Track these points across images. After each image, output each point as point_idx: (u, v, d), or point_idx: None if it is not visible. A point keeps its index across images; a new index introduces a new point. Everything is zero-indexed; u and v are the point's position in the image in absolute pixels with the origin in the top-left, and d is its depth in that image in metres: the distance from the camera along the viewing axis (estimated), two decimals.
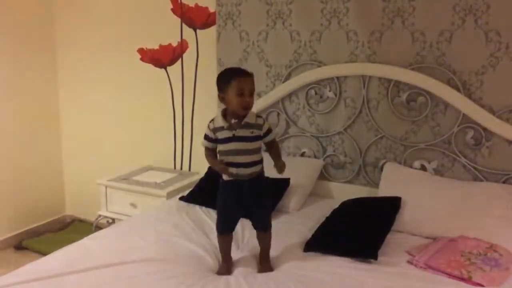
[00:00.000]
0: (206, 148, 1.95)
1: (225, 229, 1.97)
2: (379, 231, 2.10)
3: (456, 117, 2.47)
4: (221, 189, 1.96)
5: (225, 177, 1.91)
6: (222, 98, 1.87)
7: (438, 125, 2.52)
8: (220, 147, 1.90)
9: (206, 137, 1.93)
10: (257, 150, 1.91)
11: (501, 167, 2.41)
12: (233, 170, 1.87)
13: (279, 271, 1.87)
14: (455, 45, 2.42)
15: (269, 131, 1.93)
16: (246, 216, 2.01)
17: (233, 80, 1.81)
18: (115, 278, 1.78)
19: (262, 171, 1.95)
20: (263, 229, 1.98)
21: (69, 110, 3.84)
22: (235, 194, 1.91)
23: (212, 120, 1.92)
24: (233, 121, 1.86)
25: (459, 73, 2.43)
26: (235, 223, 2.00)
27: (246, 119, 1.86)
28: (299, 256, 2.00)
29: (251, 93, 1.84)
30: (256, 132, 1.88)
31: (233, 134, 1.85)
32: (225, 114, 1.89)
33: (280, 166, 1.96)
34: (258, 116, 1.91)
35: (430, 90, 2.48)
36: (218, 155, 1.93)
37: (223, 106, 1.91)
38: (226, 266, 1.93)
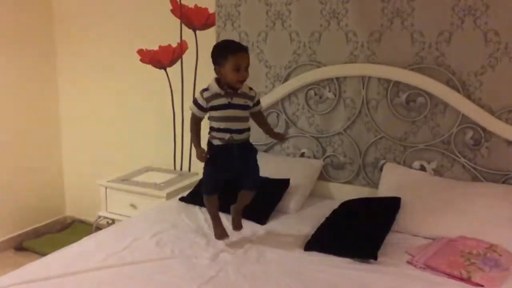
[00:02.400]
0: (193, 115, 2.04)
1: (214, 191, 2.11)
2: (379, 232, 2.10)
3: (455, 118, 2.47)
4: (210, 153, 2.05)
5: (214, 141, 2.03)
6: (218, 70, 1.98)
7: (438, 125, 2.52)
8: (215, 114, 2.00)
9: (197, 104, 2.01)
10: (248, 119, 2.09)
11: (500, 167, 2.42)
12: (226, 135, 2.00)
13: (279, 271, 1.87)
14: (454, 45, 2.42)
15: (258, 102, 2.13)
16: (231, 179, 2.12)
17: (230, 56, 1.93)
18: (115, 279, 1.78)
19: (249, 138, 2.11)
20: (254, 187, 2.14)
21: (69, 111, 3.84)
22: (226, 158, 2.04)
23: (205, 89, 2.00)
24: (227, 90, 1.98)
25: (459, 73, 2.43)
26: (222, 185, 2.12)
27: (241, 89, 2.01)
28: (299, 255, 2.01)
29: (247, 68, 1.96)
30: (249, 102, 2.05)
31: (229, 102, 1.98)
32: (218, 82, 1.99)
33: (277, 133, 2.21)
34: (250, 88, 2.07)
35: (429, 91, 2.48)
36: (210, 122, 2.04)
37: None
38: (220, 229, 2.10)
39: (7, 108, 3.48)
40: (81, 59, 3.68)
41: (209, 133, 2.07)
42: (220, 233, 2.10)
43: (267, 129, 2.26)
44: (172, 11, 3.23)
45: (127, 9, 3.41)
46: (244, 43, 2.89)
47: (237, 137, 2.02)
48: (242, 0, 2.89)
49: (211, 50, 2.04)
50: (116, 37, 3.49)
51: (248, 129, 2.07)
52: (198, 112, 2.03)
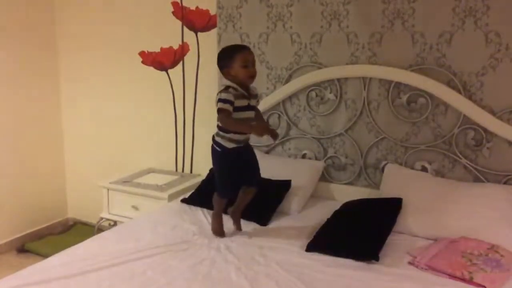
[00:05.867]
0: (227, 112, 2.00)
1: (232, 193, 2.18)
2: (381, 232, 2.11)
3: (456, 118, 2.47)
4: (222, 157, 2.10)
5: (228, 145, 2.07)
6: (227, 73, 2.05)
7: (439, 126, 2.53)
8: (236, 115, 2.03)
9: (228, 101, 2.00)
10: None
11: (502, 168, 2.41)
12: (242, 137, 2.09)
13: (281, 271, 1.87)
14: (455, 46, 2.42)
15: (258, 99, 2.23)
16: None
17: (237, 54, 2.01)
18: (116, 281, 1.79)
19: None
20: (257, 185, 2.21)
21: (71, 113, 3.85)
22: (238, 160, 2.11)
23: (227, 88, 2.03)
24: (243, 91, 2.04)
25: (459, 74, 2.44)
26: (239, 187, 2.20)
27: (253, 91, 2.10)
28: (301, 256, 2.01)
29: (254, 64, 2.05)
30: (256, 102, 2.15)
31: (248, 103, 2.06)
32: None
33: (272, 129, 2.19)
34: (253, 87, 2.13)
35: (430, 92, 2.48)
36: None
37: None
38: (219, 225, 2.19)
39: (8, 109, 3.48)
40: (83, 61, 3.69)
41: (221, 136, 2.09)
42: (218, 229, 2.19)
43: (262, 122, 2.28)
44: (174, 13, 3.24)
45: (129, 12, 3.42)
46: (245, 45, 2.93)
47: (247, 137, 2.13)
48: (243, 2, 2.90)
49: (217, 58, 2.10)
50: (118, 39, 3.50)
51: None
52: (230, 108, 2.00)
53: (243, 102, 2.04)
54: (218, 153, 2.12)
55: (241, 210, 2.25)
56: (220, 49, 2.15)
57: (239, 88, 2.03)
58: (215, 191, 2.22)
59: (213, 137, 2.15)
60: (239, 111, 2.03)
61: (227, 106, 1.99)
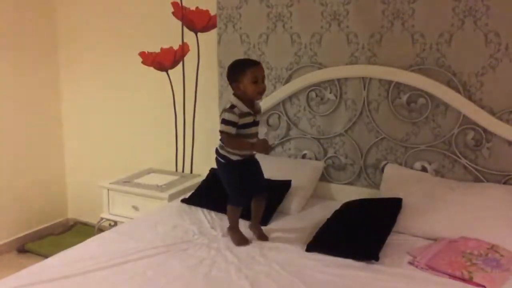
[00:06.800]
0: (229, 135, 2.03)
1: (245, 203, 2.18)
2: (380, 232, 2.11)
3: (456, 118, 2.48)
4: (229, 167, 2.11)
5: (233, 157, 2.09)
6: (237, 87, 2.05)
7: (439, 126, 2.53)
8: (242, 132, 2.05)
9: (232, 123, 2.01)
10: None
11: (501, 168, 2.42)
12: (246, 151, 2.11)
13: (281, 271, 1.87)
14: (455, 46, 2.43)
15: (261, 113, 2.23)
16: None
17: (247, 70, 2.01)
18: (117, 281, 1.79)
19: None
20: (266, 190, 2.24)
21: (71, 113, 3.85)
22: (244, 168, 2.12)
23: (232, 107, 2.03)
24: (248, 109, 2.05)
25: (459, 74, 2.44)
26: (249, 195, 2.21)
27: (257, 106, 2.12)
28: (301, 256, 2.01)
29: (263, 80, 2.05)
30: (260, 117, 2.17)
31: (254, 119, 2.07)
32: (242, 101, 2.05)
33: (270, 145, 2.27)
34: (257, 102, 2.15)
35: (430, 92, 2.49)
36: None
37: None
38: (240, 235, 2.15)
39: (9, 110, 3.49)
40: (83, 61, 3.70)
41: (225, 150, 2.10)
42: (242, 240, 2.14)
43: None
44: (174, 13, 3.24)
45: (129, 12, 3.42)
46: (245, 45, 2.94)
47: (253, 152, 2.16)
48: (243, 2, 2.90)
49: (227, 70, 2.10)
50: (118, 39, 3.50)
51: None
52: (233, 130, 2.02)
53: (248, 119, 2.06)
54: (224, 164, 2.12)
55: (259, 221, 2.24)
56: (231, 62, 2.13)
57: (244, 107, 2.03)
58: (228, 203, 2.18)
59: (217, 150, 2.15)
60: (245, 128, 2.05)
61: (229, 129, 2.01)
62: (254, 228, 2.23)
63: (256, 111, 2.10)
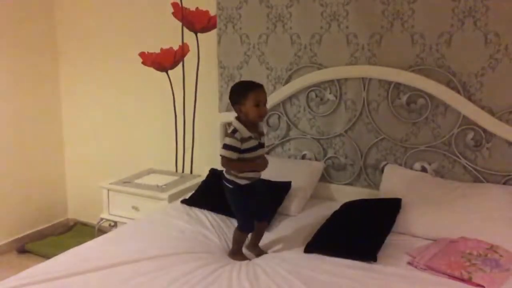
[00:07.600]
0: (230, 160, 2.00)
1: (252, 227, 2.11)
2: (379, 233, 2.11)
3: (456, 119, 2.48)
4: (238, 193, 2.07)
5: (241, 181, 2.04)
6: (239, 109, 2.02)
7: (438, 126, 2.53)
8: (247, 155, 2.01)
9: (234, 148, 1.98)
10: None
11: (501, 168, 2.42)
12: (257, 174, 2.08)
13: (281, 271, 1.88)
14: (454, 47, 2.43)
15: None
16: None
17: (250, 93, 1.99)
18: (117, 281, 1.79)
19: None
20: (268, 219, 2.27)
21: (71, 113, 3.85)
22: (251, 192, 2.07)
23: (234, 132, 2.00)
24: (250, 133, 2.01)
25: (459, 74, 2.44)
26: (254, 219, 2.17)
27: (260, 128, 2.08)
28: (300, 257, 2.02)
29: (265, 103, 2.04)
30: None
31: (258, 142, 2.04)
32: (244, 124, 2.02)
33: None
34: (260, 124, 2.11)
35: (430, 92, 2.49)
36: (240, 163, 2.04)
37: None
38: (244, 257, 2.09)
39: (8, 110, 3.49)
40: (83, 62, 3.70)
41: (231, 174, 2.05)
42: (239, 257, 2.08)
43: None
44: (174, 14, 3.24)
45: (129, 12, 3.42)
46: (245, 46, 2.94)
47: (260, 173, 2.11)
48: (243, 3, 2.90)
49: (229, 92, 2.08)
50: (118, 40, 3.50)
51: None
52: (234, 155, 1.99)
53: (253, 143, 2.02)
54: (232, 190, 2.07)
55: (257, 244, 2.17)
56: (234, 84, 2.12)
57: (246, 132, 2.00)
58: (237, 229, 2.13)
59: (223, 175, 2.10)
60: (250, 152, 2.01)
61: (229, 153, 1.98)
62: (252, 248, 2.17)
63: (259, 133, 2.07)
